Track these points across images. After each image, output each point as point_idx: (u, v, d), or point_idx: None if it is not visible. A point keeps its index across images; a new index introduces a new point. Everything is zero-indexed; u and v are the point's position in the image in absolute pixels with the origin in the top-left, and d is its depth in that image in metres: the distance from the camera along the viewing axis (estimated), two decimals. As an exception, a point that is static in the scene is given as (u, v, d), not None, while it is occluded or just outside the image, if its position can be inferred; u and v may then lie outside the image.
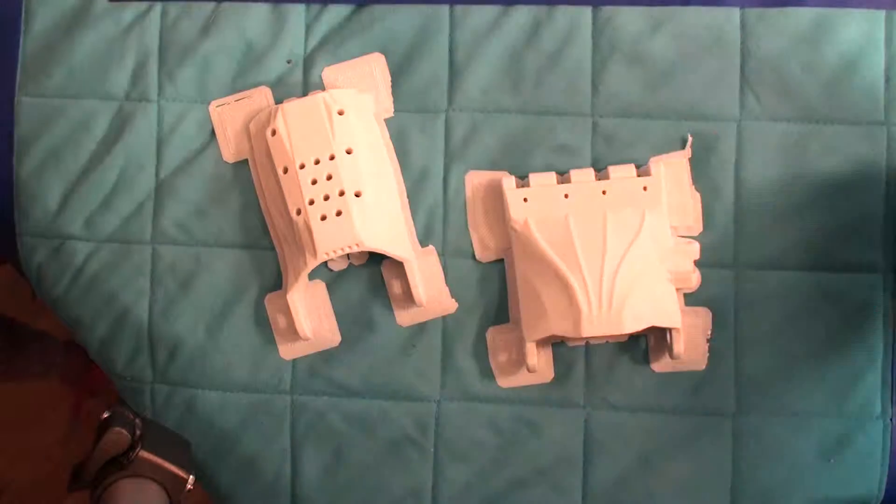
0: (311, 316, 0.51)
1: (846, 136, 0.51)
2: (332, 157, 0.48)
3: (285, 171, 0.49)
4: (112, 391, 0.55)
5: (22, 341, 1.00)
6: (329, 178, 0.48)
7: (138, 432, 0.45)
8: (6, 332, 0.97)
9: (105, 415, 0.45)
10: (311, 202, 0.48)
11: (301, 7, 0.53)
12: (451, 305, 0.51)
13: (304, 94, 0.52)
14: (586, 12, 0.52)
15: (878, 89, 0.51)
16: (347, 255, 0.51)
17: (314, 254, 0.47)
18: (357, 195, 0.48)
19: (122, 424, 0.44)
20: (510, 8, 0.52)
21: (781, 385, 0.49)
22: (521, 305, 0.49)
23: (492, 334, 0.51)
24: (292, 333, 0.51)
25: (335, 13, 0.53)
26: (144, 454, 0.44)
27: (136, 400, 0.53)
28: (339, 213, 0.47)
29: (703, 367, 0.50)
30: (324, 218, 0.48)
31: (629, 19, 0.51)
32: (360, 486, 0.52)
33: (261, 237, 0.52)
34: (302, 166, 0.48)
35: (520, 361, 0.50)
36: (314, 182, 0.48)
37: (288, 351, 0.52)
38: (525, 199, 0.49)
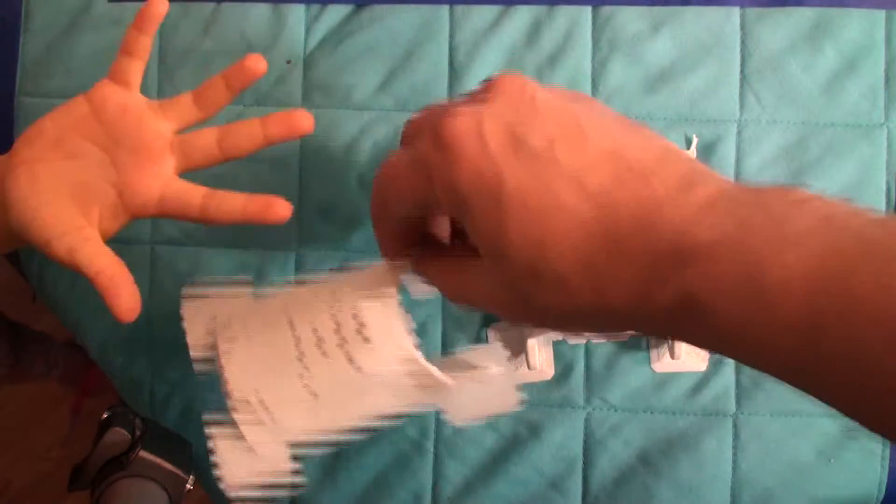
0: None
1: (846, 136, 0.51)
2: None
3: None
4: (112, 391, 0.55)
5: (25, 343, 1.00)
6: None
7: (138, 432, 0.45)
8: (11, 335, 0.97)
9: (105, 415, 0.45)
10: None
11: (301, 7, 0.53)
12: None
13: (304, 93, 0.52)
14: (586, 12, 0.52)
15: (878, 89, 0.51)
16: None
17: None
18: None
19: (122, 424, 0.44)
20: (510, 8, 0.52)
21: (782, 384, 0.49)
22: None
23: (492, 331, 0.51)
24: None
25: (335, 13, 0.53)
26: (144, 454, 0.44)
27: (136, 400, 0.53)
28: None
29: (704, 368, 0.50)
30: None
31: (629, 19, 0.51)
32: (360, 486, 0.52)
33: (260, 237, 0.52)
34: None
35: (520, 359, 0.50)
36: None
37: None
38: None
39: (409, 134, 0.36)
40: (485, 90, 0.31)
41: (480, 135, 0.29)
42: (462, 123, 0.30)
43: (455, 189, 0.30)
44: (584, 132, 0.29)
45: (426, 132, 0.31)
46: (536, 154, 0.29)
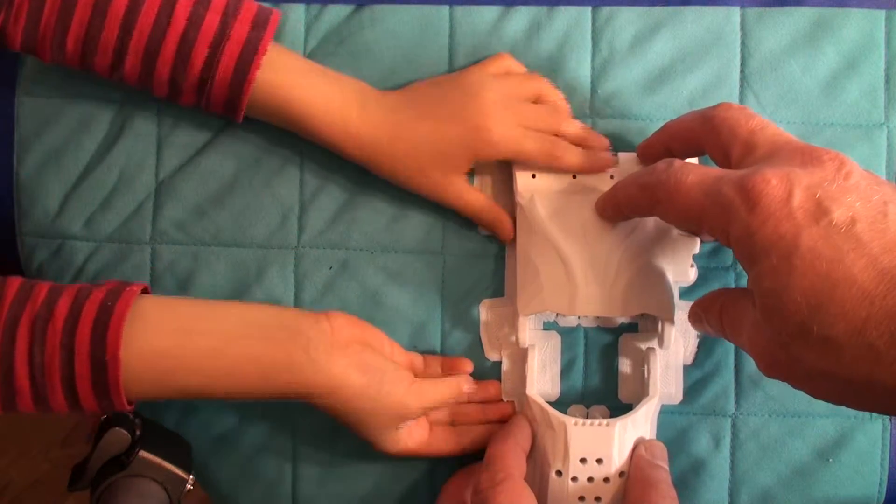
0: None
1: (846, 136, 0.51)
2: None
3: None
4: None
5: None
6: None
7: (138, 432, 0.45)
8: None
9: (105, 415, 0.45)
10: None
11: (301, 7, 0.53)
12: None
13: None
14: (586, 12, 0.52)
15: (878, 89, 0.51)
16: None
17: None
18: None
19: (122, 424, 0.44)
20: (510, 8, 0.52)
21: (781, 385, 0.49)
22: (518, 280, 0.49)
23: (485, 306, 0.51)
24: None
25: (335, 13, 0.53)
26: (144, 454, 0.44)
27: (136, 400, 0.53)
28: None
29: (691, 362, 0.50)
30: None
31: (629, 19, 0.51)
32: (361, 486, 0.52)
33: (259, 237, 0.52)
34: None
35: (510, 337, 0.50)
36: None
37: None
38: (533, 176, 0.49)
39: (687, 136, 0.42)
40: (807, 155, 0.35)
41: (788, 198, 0.32)
42: (774, 186, 0.33)
43: (751, 239, 0.33)
44: (888, 217, 0.31)
45: (732, 181, 0.34)
46: (837, 226, 0.31)
